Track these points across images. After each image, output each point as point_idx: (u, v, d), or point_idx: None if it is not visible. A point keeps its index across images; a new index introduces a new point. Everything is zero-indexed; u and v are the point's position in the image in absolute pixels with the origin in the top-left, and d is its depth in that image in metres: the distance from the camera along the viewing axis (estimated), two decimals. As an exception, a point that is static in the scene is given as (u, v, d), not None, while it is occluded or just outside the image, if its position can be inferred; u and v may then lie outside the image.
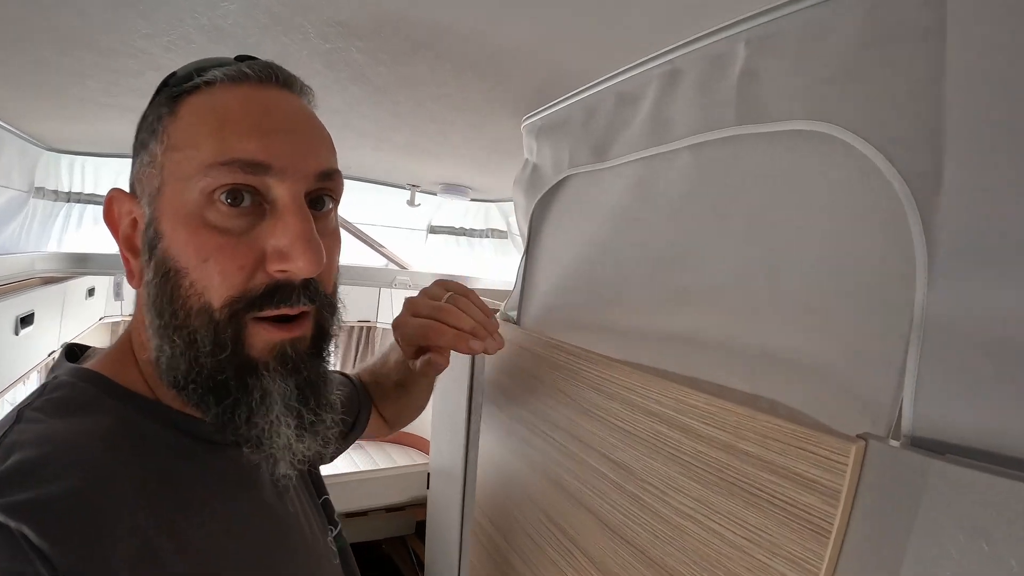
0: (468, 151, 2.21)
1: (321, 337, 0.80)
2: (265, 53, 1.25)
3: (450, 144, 2.13)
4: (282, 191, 0.71)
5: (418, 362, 1.10)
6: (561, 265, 1.38)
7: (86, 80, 1.57)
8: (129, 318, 4.75)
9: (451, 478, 2.28)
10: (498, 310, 1.74)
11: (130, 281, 0.77)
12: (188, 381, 0.71)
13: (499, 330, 1.10)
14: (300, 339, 0.75)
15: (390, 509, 4.05)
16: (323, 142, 0.80)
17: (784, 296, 0.84)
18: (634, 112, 1.14)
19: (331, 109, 1.80)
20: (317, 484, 1.10)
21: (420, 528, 4.06)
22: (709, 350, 0.97)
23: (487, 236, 3.75)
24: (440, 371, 1.11)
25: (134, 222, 0.76)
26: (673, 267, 1.05)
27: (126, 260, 0.76)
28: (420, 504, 4.01)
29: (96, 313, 4.54)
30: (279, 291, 0.71)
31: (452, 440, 2.29)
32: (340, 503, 3.46)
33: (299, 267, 0.70)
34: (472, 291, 1.12)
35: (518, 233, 3.43)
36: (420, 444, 6.06)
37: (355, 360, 5.95)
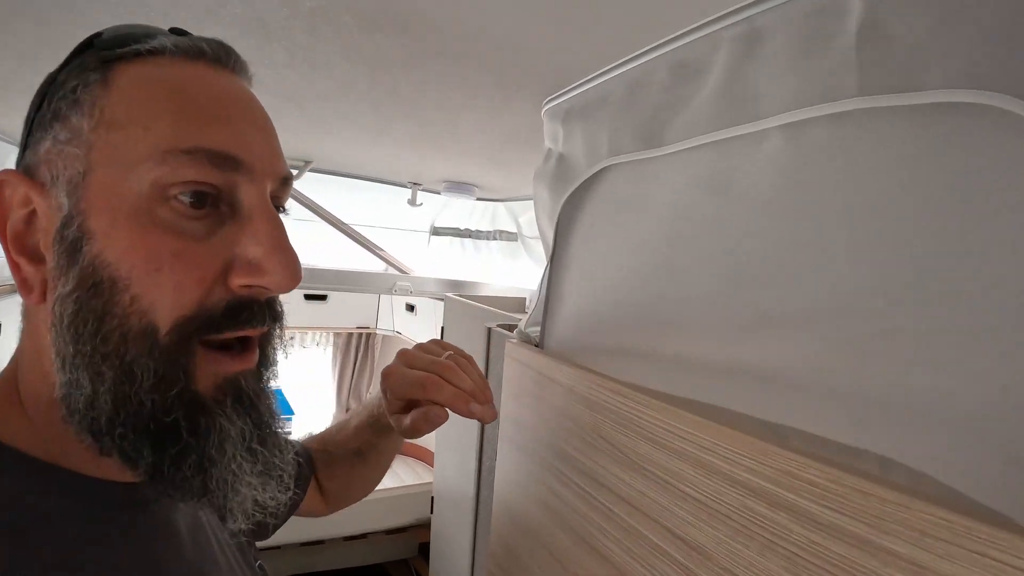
0: (478, 143, 1.99)
1: (266, 365, 0.71)
2: (234, 12, 1.03)
3: (458, 135, 1.91)
4: (252, 192, 0.63)
5: (407, 418, 0.97)
6: (598, 277, 1.14)
7: None
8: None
9: (459, 511, 2.07)
10: (514, 327, 1.52)
11: (24, 295, 0.60)
12: (116, 425, 0.58)
13: (517, 354, 1.04)
14: (252, 370, 0.67)
15: (391, 531, 3.82)
16: (279, 143, 0.71)
17: (915, 322, 0.62)
18: (697, 85, 0.91)
19: (318, 94, 1.58)
20: (252, 546, 0.96)
21: (424, 549, 3.84)
22: (800, 391, 0.75)
23: (495, 238, 3.53)
24: (437, 426, 0.96)
25: (31, 215, 0.61)
26: (755, 284, 0.82)
27: (15, 267, 0.60)
28: (423, 525, 3.79)
29: None
30: (244, 310, 0.62)
31: (460, 470, 2.08)
32: (338, 527, 3.22)
33: (275, 281, 0.63)
34: (471, 356, 1.04)
35: (530, 235, 3.23)
36: (424, 456, 5.85)
37: (354, 369, 5.76)
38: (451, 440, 2.23)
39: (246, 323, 0.62)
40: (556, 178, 1.27)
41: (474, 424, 1.76)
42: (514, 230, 3.38)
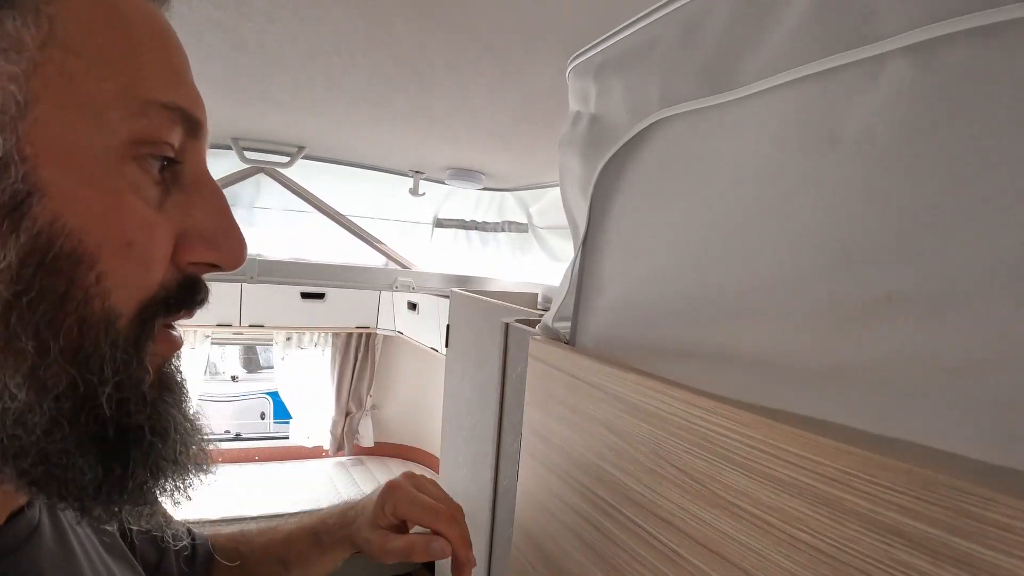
0: (487, 120, 1.81)
1: None
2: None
3: (465, 110, 1.73)
4: (199, 158, 0.58)
5: (399, 539, 0.93)
6: (648, 258, 0.94)
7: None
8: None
9: (471, 527, 1.88)
10: (535, 322, 1.32)
11: None
12: (53, 441, 0.46)
13: (544, 353, 0.98)
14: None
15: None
16: None
17: None
18: (782, 8, 0.71)
19: (308, 53, 1.38)
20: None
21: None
22: (940, 396, 0.55)
23: (503, 230, 3.33)
24: (434, 558, 0.92)
25: None
26: (873, 259, 0.62)
27: None
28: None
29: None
30: (197, 289, 0.59)
31: (473, 484, 1.90)
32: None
33: (229, 258, 0.60)
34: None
35: (542, 226, 3.04)
36: (428, 460, 5.67)
37: (354, 370, 5.57)
38: (459, 451, 2.03)
39: (200, 303, 0.59)
40: (589, 142, 1.07)
41: (488, 434, 1.57)
42: (524, 221, 3.19)
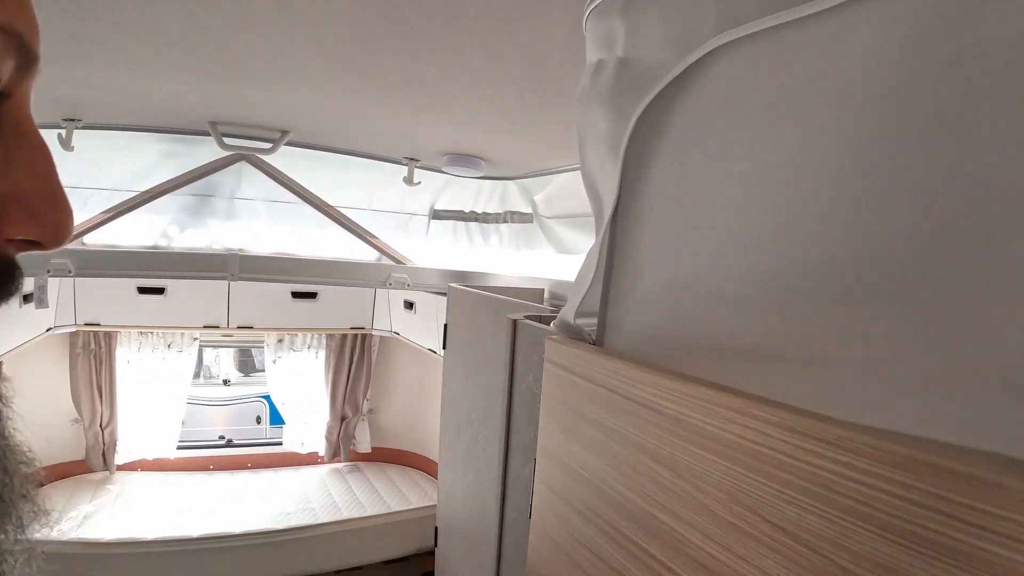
0: (490, 91, 1.61)
1: None
2: None
3: (465, 79, 1.52)
4: (25, 103, 0.46)
5: None
6: (704, 229, 0.72)
7: None
8: (90, 328, 4.19)
9: (474, 552, 1.68)
10: (548, 318, 1.10)
11: None
12: None
13: (563, 357, 0.79)
14: None
15: (390, 562, 3.40)
16: None
17: None
18: None
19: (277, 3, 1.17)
20: None
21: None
22: None
23: (505, 221, 3.12)
24: None
25: None
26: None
27: None
28: (427, 553, 3.38)
29: (41, 323, 3.93)
30: (10, 273, 0.46)
31: (474, 505, 1.68)
32: (328, 559, 2.76)
33: (53, 234, 0.46)
34: None
35: (548, 215, 2.83)
36: (428, 467, 5.45)
37: (349, 373, 5.35)
38: (459, 465, 1.83)
39: (11, 293, 0.46)
40: (619, 92, 0.85)
41: (492, 452, 1.36)
42: (528, 211, 2.97)
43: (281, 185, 2.80)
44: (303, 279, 2.79)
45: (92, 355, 4.66)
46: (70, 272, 2.51)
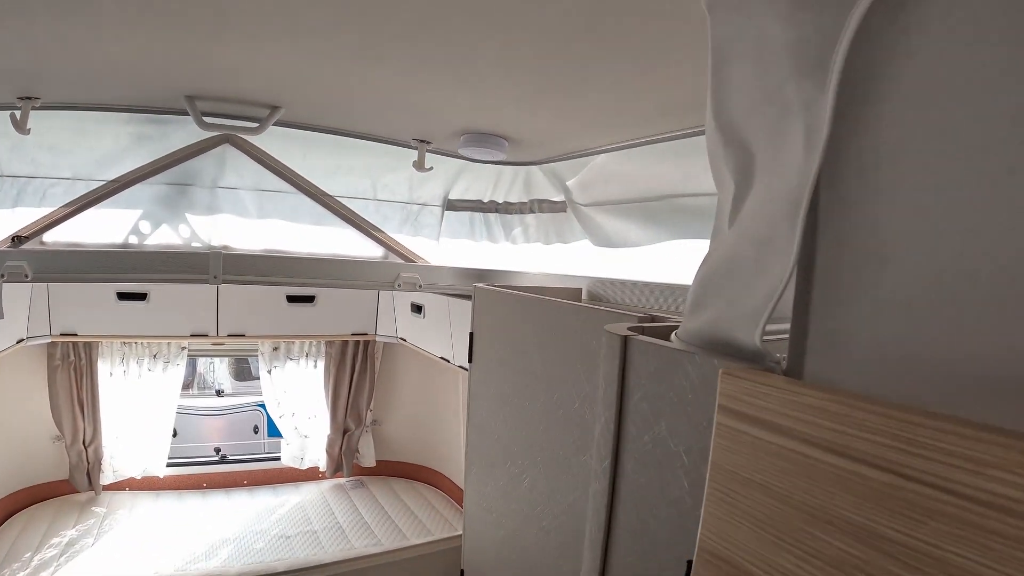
0: (525, 43, 1.28)
1: None
2: None
3: (495, 39, 1.19)
4: None
5: None
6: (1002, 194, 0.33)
7: None
8: (66, 338, 3.82)
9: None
10: (665, 327, 0.74)
11: None
12: None
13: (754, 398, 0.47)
14: None
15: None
16: None
17: None
18: None
19: None
20: None
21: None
22: None
23: (532, 211, 2.74)
24: None
25: None
26: None
27: None
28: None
29: (11, 333, 3.61)
30: None
31: (523, 554, 1.32)
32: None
33: None
34: None
35: (584, 203, 2.45)
36: (437, 480, 5.09)
37: (351, 383, 4.97)
38: (493, 505, 1.50)
39: None
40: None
41: (569, 524, 0.98)
42: (560, 198, 2.59)
43: (271, 172, 2.46)
44: (297, 281, 2.41)
45: (72, 367, 4.29)
46: (26, 276, 2.14)
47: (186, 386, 9.15)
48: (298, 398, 5.07)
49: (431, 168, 2.41)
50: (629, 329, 0.82)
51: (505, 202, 2.81)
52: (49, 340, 3.97)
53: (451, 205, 2.83)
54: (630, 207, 2.23)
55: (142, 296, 3.91)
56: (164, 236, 2.49)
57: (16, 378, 4.27)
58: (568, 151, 2.34)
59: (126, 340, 4.37)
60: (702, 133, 2.03)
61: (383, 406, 5.36)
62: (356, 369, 5.00)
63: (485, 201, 2.83)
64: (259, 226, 2.57)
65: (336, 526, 4.49)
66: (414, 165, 2.39)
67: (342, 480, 5.28)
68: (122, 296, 3.86)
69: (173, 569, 3.80)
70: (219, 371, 9.54)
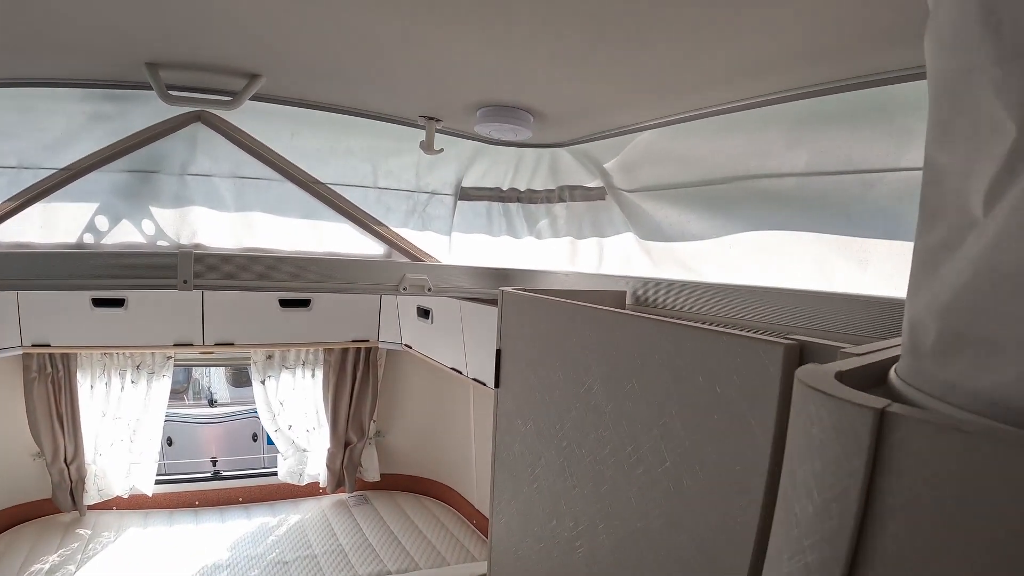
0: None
1: None
2: None
3: None
4: None
5: None
6: None
7: None
8: (38, 350, 3.48)
9: None
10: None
11: None
12: None
13: None
14: None
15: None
16: None
17: None
18: None
19: None
20: None
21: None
22: None
23: (561, 199, 2.36)
24: None
25: None
26: None
27: None
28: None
29: None
30: None
31: None
32: None
33: None
34: None
35: (628, 188, 1.98)
36: (446, 495, 4.74)
37: (352, 393, 4.62)
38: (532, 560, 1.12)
39: None
40: None
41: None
42: (595, 183, 2.21)
43: (251, 155, 2.11)
44: (284, 285, 2.04)
45: (49, 380, 3.97)
46: None
47: (180, 394, 8.87)
48: (295, 410, 4.74)
49: (441, 150, 2.07)
50: (842, 376, 0.45)
51: (528, 190, 2.43)
52: (19, 352, 3.63)
53: (465, 194, 2.44)
54: (689, 192, 1.86)
55: (119, 303, 3.56)
56: (125, 234, 2.12)
57: None
58: (606, 128, 1.98)
59: (104, 351, 4.03)
60: (784, 99, 1.66)
61: (387, 416, 5.03)
62: (358, 378, 4.66)
63: (505, 189, 2.44)
64: (237, 221, 2.19)
65: (338, 549, 4.15)
66: (421, 147, 2.05)
67: (344, 496, 4.96)
68: (97, 303, 3.51)
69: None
70: (215, 378, 9.22)
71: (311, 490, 4.98)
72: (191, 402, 8.78)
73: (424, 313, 3.51)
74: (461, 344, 3.00)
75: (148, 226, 2.12)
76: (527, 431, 1.42)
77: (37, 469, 4.19)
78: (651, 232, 2.00)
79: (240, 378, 9.20)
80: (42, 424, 4.02)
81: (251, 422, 8.20)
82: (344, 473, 4.82)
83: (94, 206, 2.07)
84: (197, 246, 2.17)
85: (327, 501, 4.91)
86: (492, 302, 2.63)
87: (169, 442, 7.62)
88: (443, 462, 4.89)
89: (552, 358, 1.31)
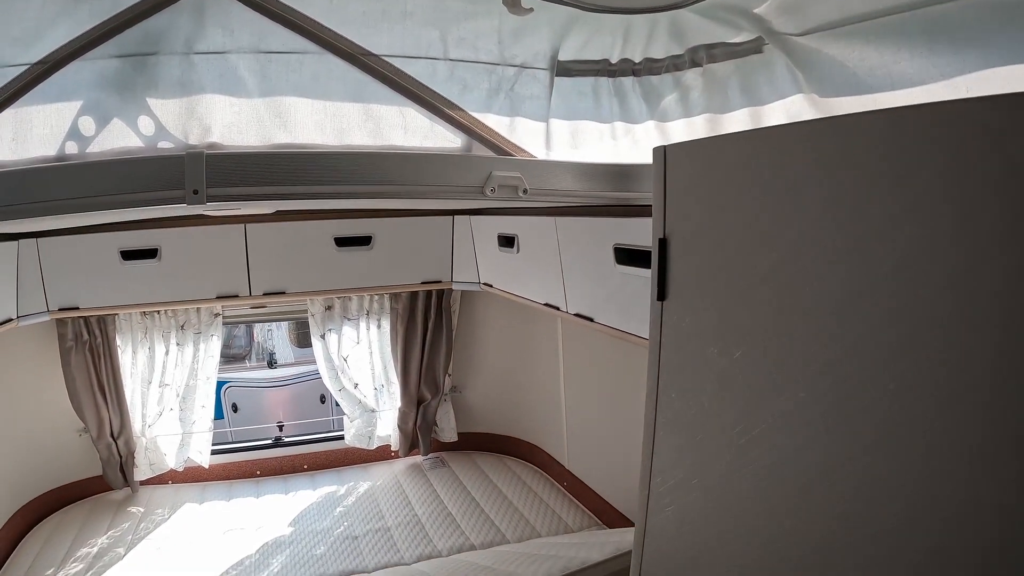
0: None
1: None
2: None
3: None
4: None
5: None
6: None
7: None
8: (66, 314, 3.10)
9: None
10: None
11: None
12: None
13: None
14: None
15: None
16: None
17: None
18: None
19: None
20: None
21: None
22: None
23: (693, 64, 1.78)
24: None
25: None
26: None
27: None
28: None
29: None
30: None
31: None
32: None
33: None
34: None
35: (796, 31, 1.29)
36: (534, 455, 4.38)
37: (424, 346, 4.24)
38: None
39: None
40: None
41: None
42: (741, 37, 1.64)
43: (279, 23, 1.60)
44: (327, 191, 1.52)
45: (87, 347, 3.61)
46: None
47: (242, 358, 8.63)
48: (361, 367, 4.33)
49: (530, 10, 1.55)
50: None
51: (646, 59, 1.86)
52: (46, 318, 3.22)
53: (564, 69, 1.88)
54: (895, 21, 1.29)
55: (152, 253, 3.16)
56: (117, 137, 1.62)
57: (25, 365, 3.66)
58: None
59: (141, 310, 3.65)
60: None
61: (463, 369, 4.62)
62: (429, 327, 4.21)
63: (615, 61, 1.88)
64: (263, 110, 1.66)
65: (413, 520, 3.76)
66: (506, 5, 1.55)
67: (418, 459, 4.59)
68: (127, 256, 3.13)
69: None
70: (278, 339, 8.94)
71: (382, 454, 4.63)
72: (253, 364, 8.52)
73: (508, 241, 2.98)
74: (558, 272, 2.47)
75: (146, 124, 1.62)
76: (731, 363, 0.90)
77: (84, 445, 3.90)
78: (837, 85, 1.43)
79: (304, 338, 8.93)
80: (84, 396, 3.69)
81: (318, 384, 7.96)
82: (417, 434, 4.44)
83: (76, 105, 1.59)
84: (211, 146, 1.66)
85: (399, 465, 4.54)
86: (600, 212, 2.15)
87: (235, 408, 7.43)
88: (527, 418, 4.47)
89: (789, 230, 0.78)
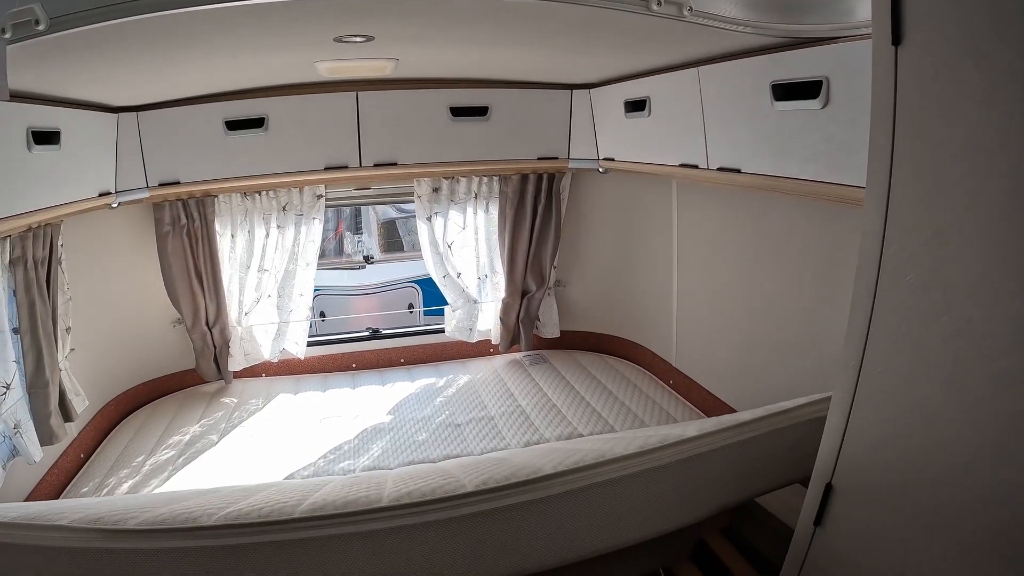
0: None
1: None
2: None
3: None
4: None
5: None
6: None
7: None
8: (167, 189, 2.91)
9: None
10: None
11: None
12: None
13: None
14: None
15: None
16: None
17: None
18: None
19: None
20: None
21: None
22: None
23: None
24: None
25: None
26: None
27: None
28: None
29: (86, 182, 2.87)
30: None
31: None
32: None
33: None
34: None
35: None
36: (639, 356, 4.30)
37: (532, 233, 4.14)
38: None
39: None
40: None
41: None
42: None
43: None
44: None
45: (184, 232, 3.61)
46: (38, 24, 1.41)
47: (330, 264, 8.66)
48: (466, 254, 4.27)
49: None
50: None
51: None
52: (146, 194, 3.23)
53: None
54: None
55: (259, 123, 3.14)
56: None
57: (120, 254, 3.70)
58: None
59: (244, 188, 3.63)
60: None
61: (568, 263, 4.50)
62: (539, 213, 4.08)
63: None
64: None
65: (517, 410, 3.74)
66: None
67: (518, 355, 4.53)
68: (232, 126, 3.12)
69: (313, 469, 3.17)
70: (366, 245, 8.96)
71: (480, 349, 4.60)
72: (343, 262, 8.55)
73: (638, 105, 2.82)
74: (699, 126, 2.32)
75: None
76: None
77: (179, 338, 3.98)
78: None
79: (392, 246, 8.91)
80: (180, 283, 3.72)
81: (407, 292, 7.92)
82: (520, 328, 4.38)
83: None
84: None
85: (499, 361, 4.51)
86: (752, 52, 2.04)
87: (321, 316, 7.46)
88: (633, 316, 4.36)
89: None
